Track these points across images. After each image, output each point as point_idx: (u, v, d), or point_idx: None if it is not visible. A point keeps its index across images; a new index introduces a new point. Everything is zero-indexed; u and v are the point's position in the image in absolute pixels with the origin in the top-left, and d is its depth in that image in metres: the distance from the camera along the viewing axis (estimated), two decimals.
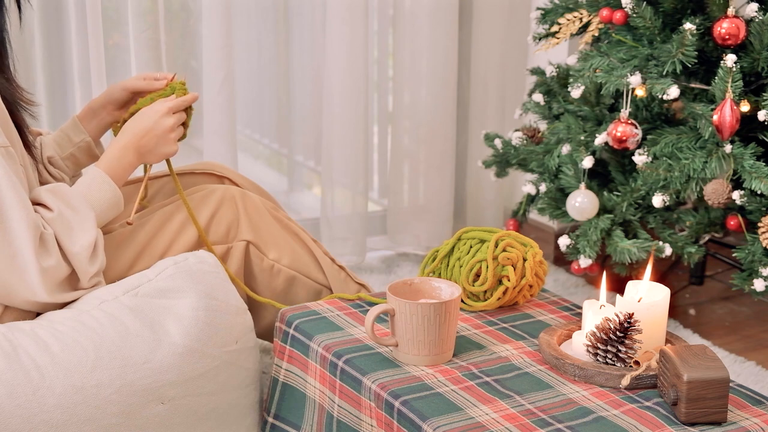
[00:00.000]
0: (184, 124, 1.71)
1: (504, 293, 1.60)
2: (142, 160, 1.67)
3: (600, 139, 2.10)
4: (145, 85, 1.76)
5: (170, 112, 1.67)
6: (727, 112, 1.90)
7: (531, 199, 2.36)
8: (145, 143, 1.65)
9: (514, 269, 1.60)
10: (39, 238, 1.47)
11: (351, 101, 2.54)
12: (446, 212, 2.76)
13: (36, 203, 1.53)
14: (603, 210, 2.15)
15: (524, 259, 1.62)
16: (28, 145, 1.59)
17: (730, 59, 1.91)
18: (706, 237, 2.15)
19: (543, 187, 2.26)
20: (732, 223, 2.05)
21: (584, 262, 2.13)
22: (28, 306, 1.52)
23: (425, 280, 1.49)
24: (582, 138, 2.17)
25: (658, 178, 2.03)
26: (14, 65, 1.60)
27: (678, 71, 1.99)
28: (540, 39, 2.28)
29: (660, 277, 2.43)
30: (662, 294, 1.42)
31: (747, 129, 2.00)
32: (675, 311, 2.40)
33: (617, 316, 1.36)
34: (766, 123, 1.95)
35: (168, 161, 1.74)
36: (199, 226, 1.70)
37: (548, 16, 2.26)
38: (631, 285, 1.46)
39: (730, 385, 1.35)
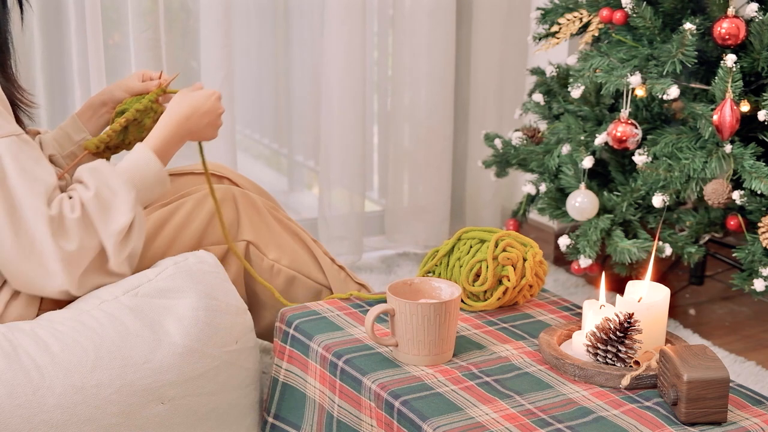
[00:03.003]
0: (142, 125, 1.73)
1: (504, 293, 1.60)
2: (190, 137, 1.69)
3: (600, 139, 2.10)
4: (143, 88, 1.78)
5: (220, 100, 1.71)
6: (727, 112, 1.90)
7: (531, 199, 2.36)
8: (195, 122, 1.67)
9: (514, 269, 1.60)
10: (58, 223, 1.46)
11: (350, 101, 2.55)
12: (444, 212, 2.76)
13: (76, 181, 1.54)
14: (603, 210, 2.15)
15: (524, 259, 1.61)
16: None
17: (730, 59, 1.91)
18: (706, 237, 2.15)
19: (543, 187, 2.26)
20: (732, 223, 2.05)
21: (584, 262, 2.13)
22: (56, 295, 1.51)
23: (425, 280, 1.49)
24: (582, 138, 2.17)
25: (658, 178, 2.03)
26: (15, 65, 1.61)
27: (678, 71, 1.99)
28: (540, 39, 2.28)
29: (660, 277, 2.43)
30: (662, 294, 1.42)
31: (747, 129, 2.00)
32: (675, 311, 2.40)
33: (617, 316, 1.36)
34: (766, 123, 1.95)
35: (201, 146, 1.76)
36: (222, 220, 1.71)
37: (548, 16, 2.26)
38: (631, 285, 1.46)
39: (730, 385, 1.35)
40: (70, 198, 1.50)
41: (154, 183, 1.61)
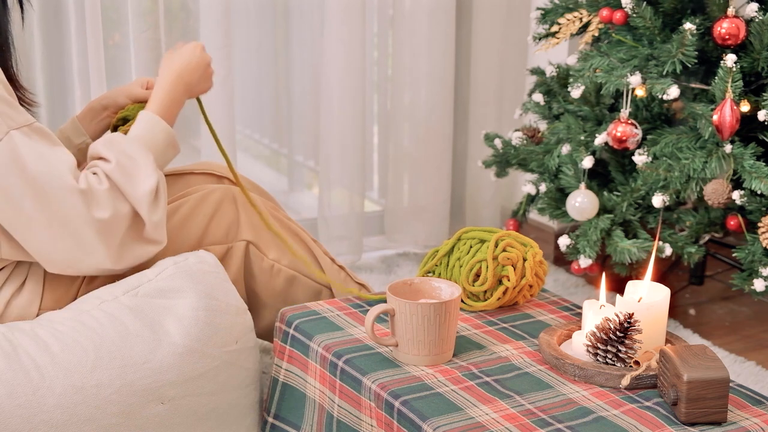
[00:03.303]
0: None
1: (504, 293, 1.60)
2: (188, 94, 1.70)
3: (600, 139, 2.10)
4: (146, 96, 1.78)
5: (204, 50, 1.73)
6: (727, 112, 1.90)
7: (531, 199, 2.36)
8: (188, 78, 1.69)
9: (514, 269, 1.60)
10: (89, 195, 1.47)
11: (349, 101, 2.55)
12: (444, 212, 2.76)
13: (95, 158, 1.55)
14: (603, 210, 2.15)
15: (524, 259, 1.61)
16: None
17: (730, 59, 1.91)
18: (706, 237, 2.15)
19: (543, 187, 2.26)
20: (732, 223, 2.05)
21: (584, 262, 2.13)
22: (96, 272, 1.53)
23: (425, 280, 1.49)
24: (582, 138, 2.17)
25: (658, 178, 2.03)
26: (17, 65, 1.61)
27: (678, 71, 1.99)
28: (540, 39, 2.28)
29: (660, 277, 2.43)
30: (662, 294, 1.42)
31: (747, 129, 2.00)
32: (675, 311, 2.40)
33: (617, 316, 1.36)
34: (766, 123, 1.95)
35: (199, 100, 1.78)
36: (258, 209, 1.73)
37: (548, 16, 2.26)
38: (631, 285, 1.46)
39: (730, 385, 1.35)
40: (94, 174, 1.52)
41: (166, 146, 1.62)
